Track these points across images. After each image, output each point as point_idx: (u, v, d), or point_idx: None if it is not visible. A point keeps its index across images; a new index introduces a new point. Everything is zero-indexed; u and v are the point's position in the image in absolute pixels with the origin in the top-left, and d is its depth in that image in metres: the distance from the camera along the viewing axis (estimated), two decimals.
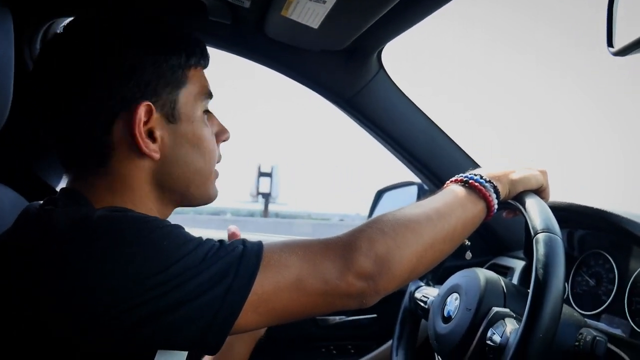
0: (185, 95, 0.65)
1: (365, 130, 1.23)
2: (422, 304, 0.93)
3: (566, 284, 1.00)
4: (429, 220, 0.64)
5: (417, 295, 0.95)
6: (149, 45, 0.63)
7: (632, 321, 0.85)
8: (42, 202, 0.62)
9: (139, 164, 0.63)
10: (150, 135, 0.63)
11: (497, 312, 0.71)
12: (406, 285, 1.00)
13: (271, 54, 1.10)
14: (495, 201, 0.70)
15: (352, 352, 1.31)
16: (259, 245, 0.56)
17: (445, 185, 0.73)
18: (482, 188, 0.69)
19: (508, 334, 0.66)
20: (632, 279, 0.87)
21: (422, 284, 0.97)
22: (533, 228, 0.67)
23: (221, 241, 0.56)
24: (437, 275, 0.98)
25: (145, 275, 0.49)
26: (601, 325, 0.89)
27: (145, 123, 0.62)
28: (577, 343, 0.68)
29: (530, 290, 0.63)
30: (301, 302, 0.56)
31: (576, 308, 0.95)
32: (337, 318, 1.28)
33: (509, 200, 0.74)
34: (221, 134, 0.73)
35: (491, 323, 0.70)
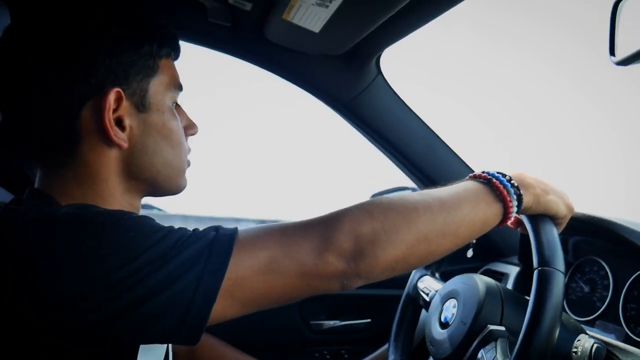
0: (156, 84, 0.64)
1: (362, 134, 1.23)
2: (424, 295, 0.93)
3: None
4: (427, 209, 0.58)
5: (420, 285, 0.95)
6: (122, 31, 0.61)
7: (627, 327, 0.85)
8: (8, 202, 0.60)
9: (108, 154, 0.61)
10: (119, 123, 0.61)
11: (491, 331, 0.70)
12: (407, 275, 0.99)
13: (270, 57, 1.09)
14: (515, 210, 0.63)
15: (345, 357, 1.30)
16: (232, 231, 0.54)
17: (465, 179, 0.66)
18: (504, 191, 0.62)
19: None
20: (627, 285, 0.87)
21: (428, 273, 0.97)
22: (540, 259, 0.63)
23: (195, 229, 0.54)
24: (440, 267, 0.98)
25: (112, 269, 0.48)
26: (595, 331, 0.90)
27: (115, 111, 0.60)
28: (574, 350, 0.68)
29: (523, 327, 0.61)
30: (278, 285, 0.53)
31: (570, 314, 0.96)
32: (331, 322, 1.28)
33: (521, 215, 0.69)
34: (189, 128, 0.71)
35: (484, 342, 0.70)
